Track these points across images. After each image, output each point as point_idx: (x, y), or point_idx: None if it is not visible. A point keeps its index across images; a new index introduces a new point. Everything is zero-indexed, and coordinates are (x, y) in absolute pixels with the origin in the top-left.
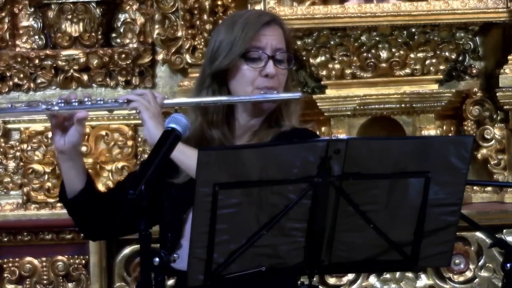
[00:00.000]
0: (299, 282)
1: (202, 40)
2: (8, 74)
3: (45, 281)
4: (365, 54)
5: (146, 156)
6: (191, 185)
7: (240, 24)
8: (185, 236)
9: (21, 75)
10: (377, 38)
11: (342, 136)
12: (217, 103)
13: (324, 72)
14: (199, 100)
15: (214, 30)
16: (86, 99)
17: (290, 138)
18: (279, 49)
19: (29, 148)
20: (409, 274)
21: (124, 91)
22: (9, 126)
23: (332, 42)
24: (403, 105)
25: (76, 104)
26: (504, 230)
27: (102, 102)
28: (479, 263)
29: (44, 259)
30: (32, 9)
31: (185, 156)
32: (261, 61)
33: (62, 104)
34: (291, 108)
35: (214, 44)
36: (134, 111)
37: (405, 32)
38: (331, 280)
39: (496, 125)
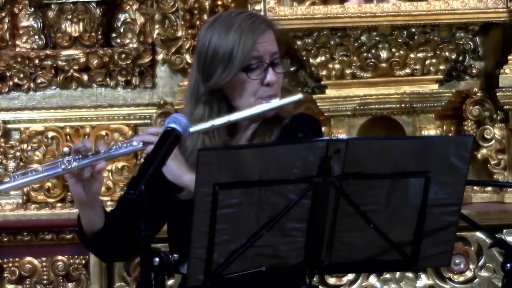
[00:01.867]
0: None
1: None
2: (8, 74)
3: (45, 281)
4: (365, 54)
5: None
6: None
7: (235, 32)
8: None
9: (21, 75)
10: (377, 38)
11: (342, 136)
12: (227, 123)
13: (324, 72)
14: (209, 124)
15: (203, 31)
16: (101, 148)
17: (293, 129)
18: (275, 53)
19: (29, 148)
20: (409, 274)
21: (124, 91)
22: (9, 126)
23: (332, 42)
24: (403, 105)
25: (92, 156)
26: (504, 230)
27: (117, 148)
28: (479, 263)
29: (44, 259)
30: (32, 9)
31: None
32: (261, 70)
33: (79, 160)
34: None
35: (207, 51)
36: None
37: (405, 32)
38: (331, 280)
39: (496, 125)
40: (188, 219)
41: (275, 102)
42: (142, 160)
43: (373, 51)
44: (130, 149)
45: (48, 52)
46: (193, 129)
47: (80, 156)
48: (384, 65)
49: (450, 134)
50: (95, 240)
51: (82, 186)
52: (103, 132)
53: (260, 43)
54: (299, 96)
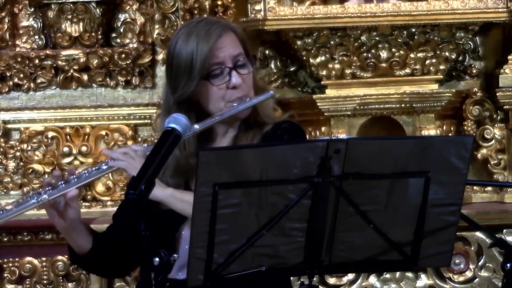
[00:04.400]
0: (299, 282)
1: None
2: (8, 74)
3: (45, 281)
4: (365, 54)
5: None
6: None
7: (193, 42)
8: (179, 254)
9: (21, 75)
10: (377, 38)
11: (342, 136)
12: (195, 132)
13: (324, 72)
14: (211, 120)
15: (169, 42)
16: (71, 177)
17: (275, 136)
18: (238, 55)
19: (29, 148)
20: (409, 274)
21: (124, 91)
22: (9, 126)
23: (332, 42)
24: (403, 105)
25: (63, 185)
26: (504, 230)
27: (87, 174)
28: (479, 263)
29: (44, 259)
30: (32, 9)
31: (186, 204)
32: (224, 75)
33: (50, 191)
34: (264, 105)
35: (171, 63)
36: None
37: (405, 32)
38: (331, 280)
39: (496, 125)
40: (169, 228)
41: (246, 104)
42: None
43: (373, 51)
44: (100, 173)
45: (48, 52)
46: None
47: (50, 188)
48: (384, 65)
49: (450, 134)
50: (88, 260)
51: (60, 215)
52: (103, 132)
53: (219, 49)
54: (270, 93)
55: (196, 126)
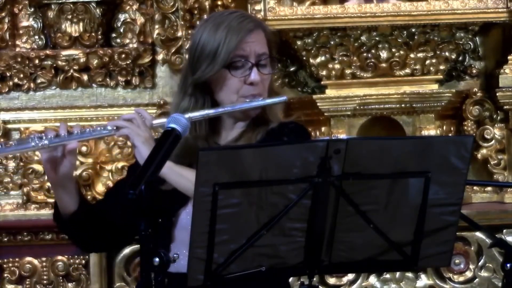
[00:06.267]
0: (299, 282)
1: None
2: (8, 74)
3: (45, 281)
4: (365, 54)
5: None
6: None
7: (223, 30)
8: (175, 240)
9: (21, 75)
10: (377, 38)
11: (342, 136)
12: (205, 116)
13: (324, 72)
14: (205, 112)
15: (196, 28)
16: (75, 130)
17: (279, 134)
18: (263, 54)
19: None
20: (409, 274)
21: (124, 91)
22: (9, 126)
23: (332, 42)
24: (403, 105)
25: (66, 135)
26: (504, 230)
27: (91, 131)
28: (479, 263)
29: (44, 259)
30: (32, 9)
31: (182, 178)
32: (245, 69)
33: (52, 138)
34: (274, 106)
35: (196, 48)
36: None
37: (405, 32)
38: (331, 280)
39: (496, 125)
40: (170, 210)
41: (257, 102)
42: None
43: (373, 51)
44: (103, 133)
45: (48, 52)
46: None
47: (52, 135)
48: (384, 65)
49: (450, 134)
50: (69, 222)
51: (54, 165)
52: None
53: (246, 43)
54: (283, 97)
55: (208, 112)
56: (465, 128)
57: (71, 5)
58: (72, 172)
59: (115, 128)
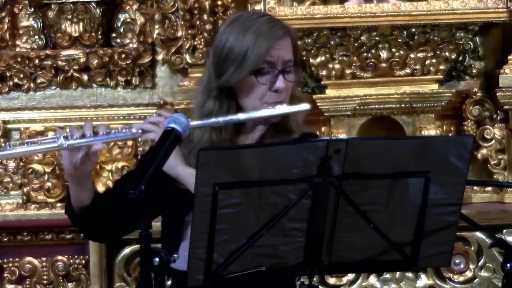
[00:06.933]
0: (299, 282)
1: (202, 40)
2: (8, 74)
3: (45, 281)
4: (365, 54)
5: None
6: None
7: (252, 35)
8: (186, 239)
9: (21, 75)
10: (377, 38)
11: (342, 136)
12: (229, 122)
13: (324, 72)
14: (212, 121)
15: (222, 28)
16: (100, 131)
17: None
18: (289, 61)
19: None
20: (409, 274)
21: (124, 91)
22: (9, 126)
23: (332, 42)
24: (403, 105)
25: (91, 136)
26: (504, 230)
27: (116, 132)
28: (479, 263)
29: (44, 259)
30: (32, 9)
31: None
32: (271, 76)
33: (77, 139)
34: (296, 114)
35: (222, 49)
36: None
37: (405, 32)
38: (331, 280)
39: (496, 125)
40: (185, 208)
41: (281, 109)
42: (142, 154)
43: (373, 51)
44: (128, 135)
45: (48, 52)
46: (194, 123)
47: (78, 135)
48: (384, 65)
49: (450, 134)
50: (81, 216)
51: (75, 162)
52: None
53: (275, 49)
54: (306, 106)
55: (240, 116)
56: (465, 128)
57: (71, 5)
58: (91, 171)
59: (140, 131)
